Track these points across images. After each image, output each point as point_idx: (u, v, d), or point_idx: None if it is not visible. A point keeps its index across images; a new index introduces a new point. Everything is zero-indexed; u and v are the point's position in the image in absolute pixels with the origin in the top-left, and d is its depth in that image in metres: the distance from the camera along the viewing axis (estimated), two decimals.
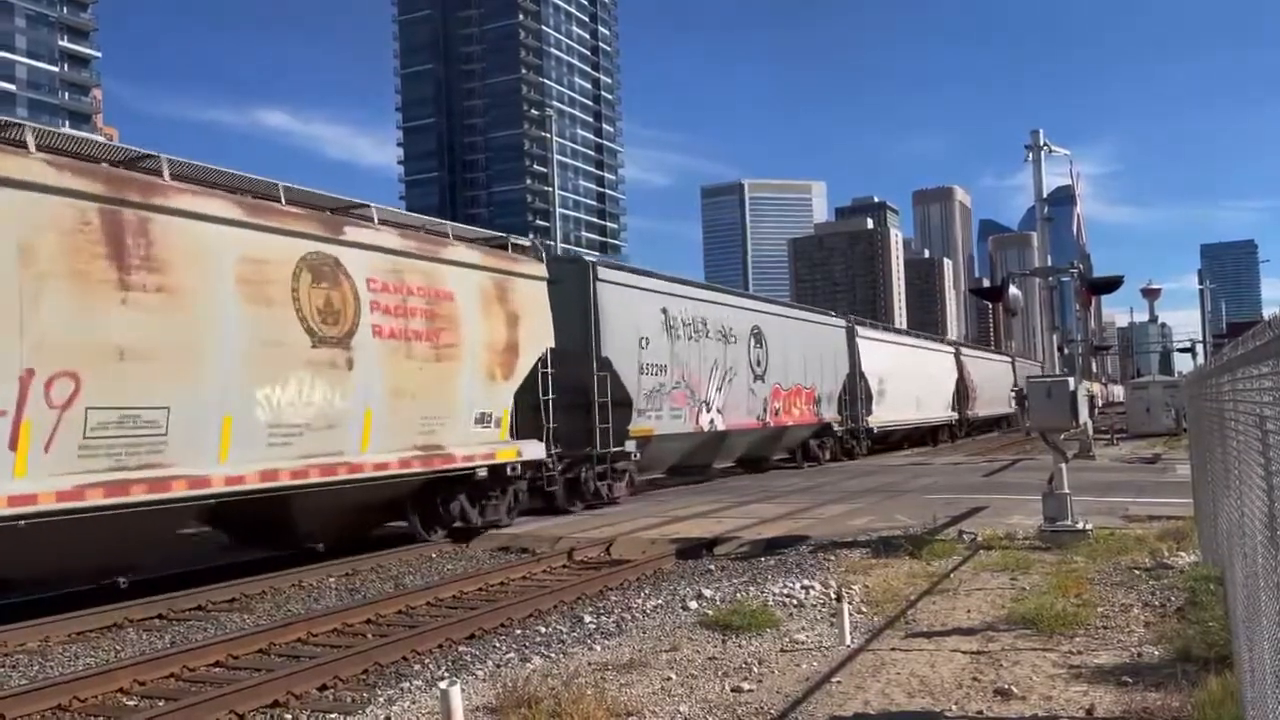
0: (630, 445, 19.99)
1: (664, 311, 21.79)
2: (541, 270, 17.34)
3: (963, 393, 48.24)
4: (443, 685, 5.91)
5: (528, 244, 17.87)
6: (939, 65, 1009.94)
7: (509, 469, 15.87)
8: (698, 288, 25.58)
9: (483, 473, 15.11)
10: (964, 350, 52.83)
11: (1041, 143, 13.63)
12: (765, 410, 26.68)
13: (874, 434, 35.44)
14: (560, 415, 17.54)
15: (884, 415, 36.38)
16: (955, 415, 46.91)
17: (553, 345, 17.21)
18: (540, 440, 16.83)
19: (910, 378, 39.04)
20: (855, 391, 33.95)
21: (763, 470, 29.41)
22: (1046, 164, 14.47)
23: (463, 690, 6.31)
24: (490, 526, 15.90)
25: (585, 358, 18.86)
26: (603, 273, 20.37)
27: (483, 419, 15.29)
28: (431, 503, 14.94)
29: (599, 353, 19.25)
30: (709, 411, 23.47)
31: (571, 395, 18.22)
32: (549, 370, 17.31)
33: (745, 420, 25.50)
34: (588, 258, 22.93)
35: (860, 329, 35.76)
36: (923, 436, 43.79)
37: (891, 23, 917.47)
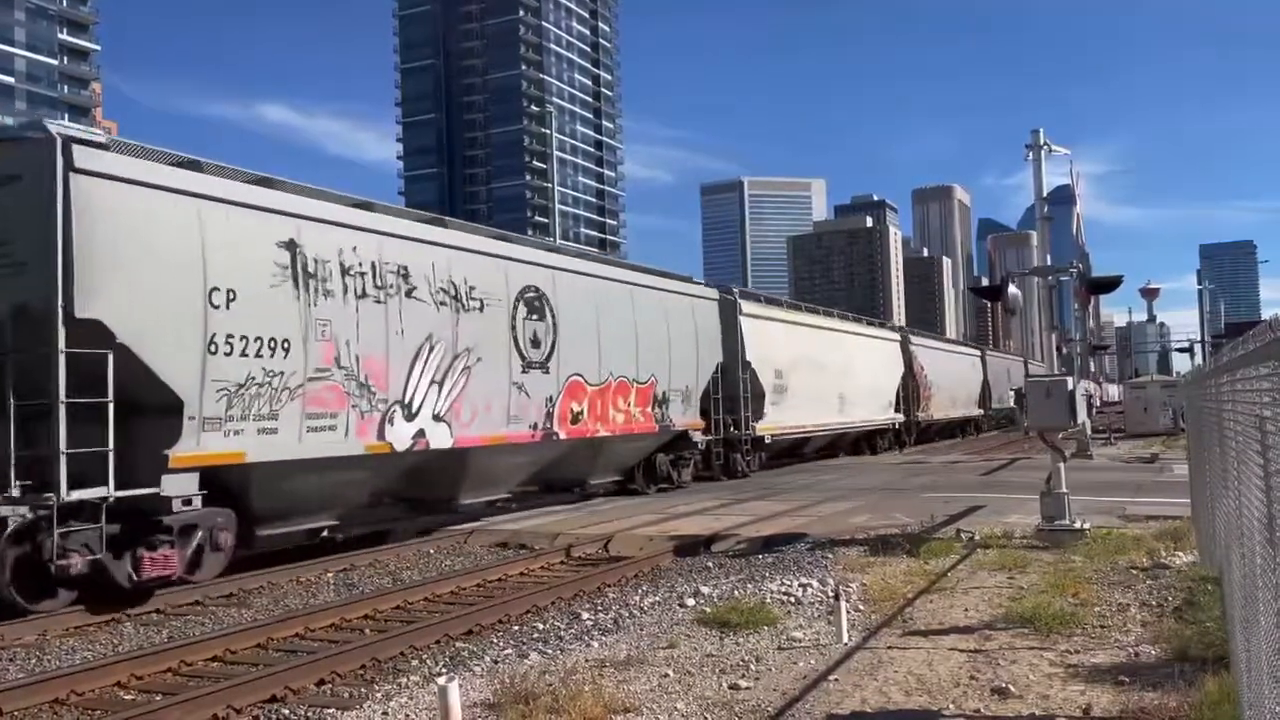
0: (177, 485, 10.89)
1: (290, 247, 12.44)
2: None
3: (912, 391, 40.55)
4: (440, 681, 5.92)
5: None
6: (940, 64, 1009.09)
7: None
8: (392, 216, 14.98)
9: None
10: (915, 339, 43.52)
11: (1042, 142, 13.61)
12: (549, 416, 17.57)
13: (768, 444, 27.18)
14: None
15: (783, 419, 27.88)
16: (901, 418, 39.08)
17: None
18: None
19: (828, 371, 31.12)
20: (739, 389, 25.33)
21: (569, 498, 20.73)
22: (1047, 164, 14.53)
23: (460, 686, 6.31)
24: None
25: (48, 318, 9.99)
26: (102, 162, 10.54)
27: None
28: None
29: (70, 307, 10.02)
30: (410, 419, 14.33)
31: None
32: None
33: (506, 431, 16.47)
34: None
35: (746, 304, 26.81)
36: (856, 442, 36.32)
37: (892, 20, 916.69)
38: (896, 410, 38.50)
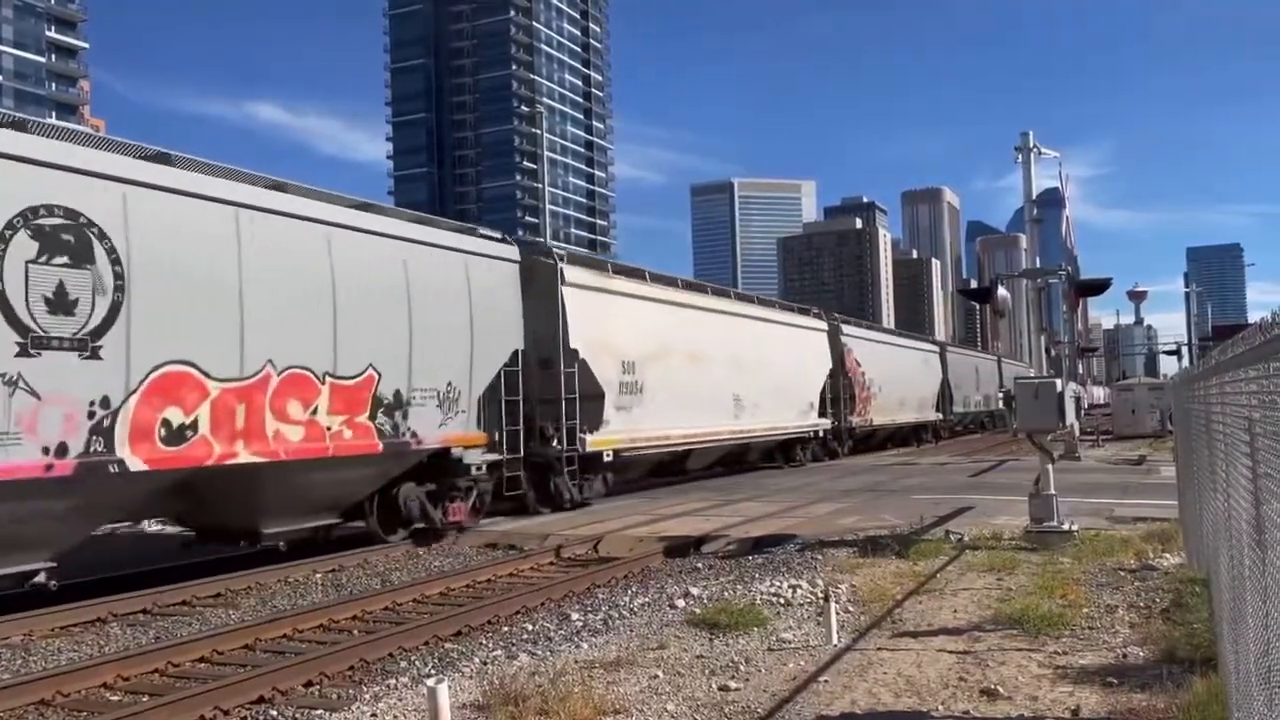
0: None
1: None
2: None
3: (845, 391, 34.69)
4: (430, 683, 5.90)
5: None
6: (932, 66, 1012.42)
7: None
8: None
9: None
10: (849, 330, 36.85)
11: (1031, 145, 13.66)
12: (100, 432, 10.35)
13: (610, 462, 19.76)
14: None
15: (639, 428, 20.77)
16: (827, 424, 32.30)
17: None
18: None
19: (714, 365, 24.34)
20: (562, 388, 18.16)
21: None
22: (1036, 166, 14.60)
23: (450, 687, 6.28)
24: None
25: None
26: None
27: None
28: None
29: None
30: None
31: None
32: None
33: None
34: None
35: (573, 269, 19.46)
36: (770, 453, 29.73)
37: (886, 22, 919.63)
38: (819, 416, 31.58)
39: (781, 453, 30.15)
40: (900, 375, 40.97)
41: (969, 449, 40.73)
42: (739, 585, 10.85)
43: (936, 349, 50.76)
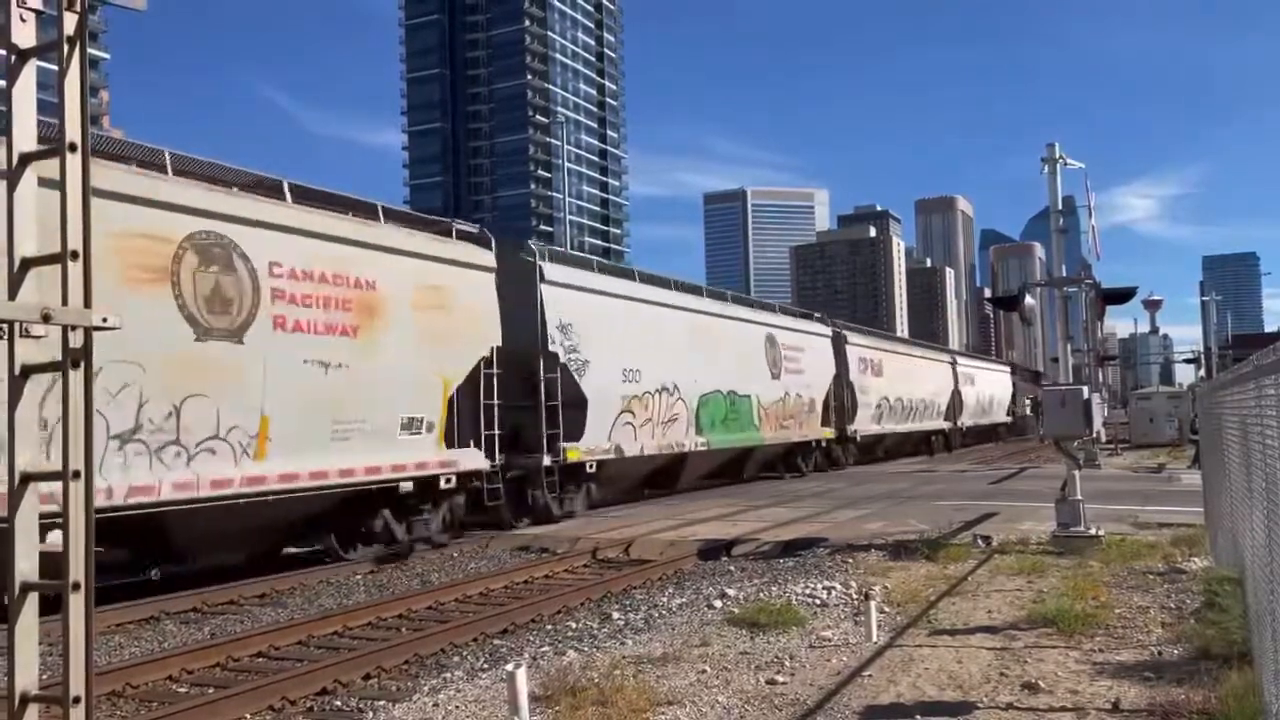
0: None
1: None
2: None
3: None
4: (509, 667, 6.19)
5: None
6: (954, 70, 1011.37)
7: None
8: None
9: None
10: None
11: (1057, 155, 13.90)
12: None
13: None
14: None
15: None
16: (830, 432, 31.45)
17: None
18: None
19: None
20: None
21: None
22: (1052, 176, 14.82)
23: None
24: None
25: None
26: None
27: None
28: None
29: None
30: None
31: None
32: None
33: None
34: None
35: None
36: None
37: (891, 29, 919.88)
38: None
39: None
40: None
41: (986, 457, 40.86)
42: (773, 586, 11.09)
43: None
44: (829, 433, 31.49)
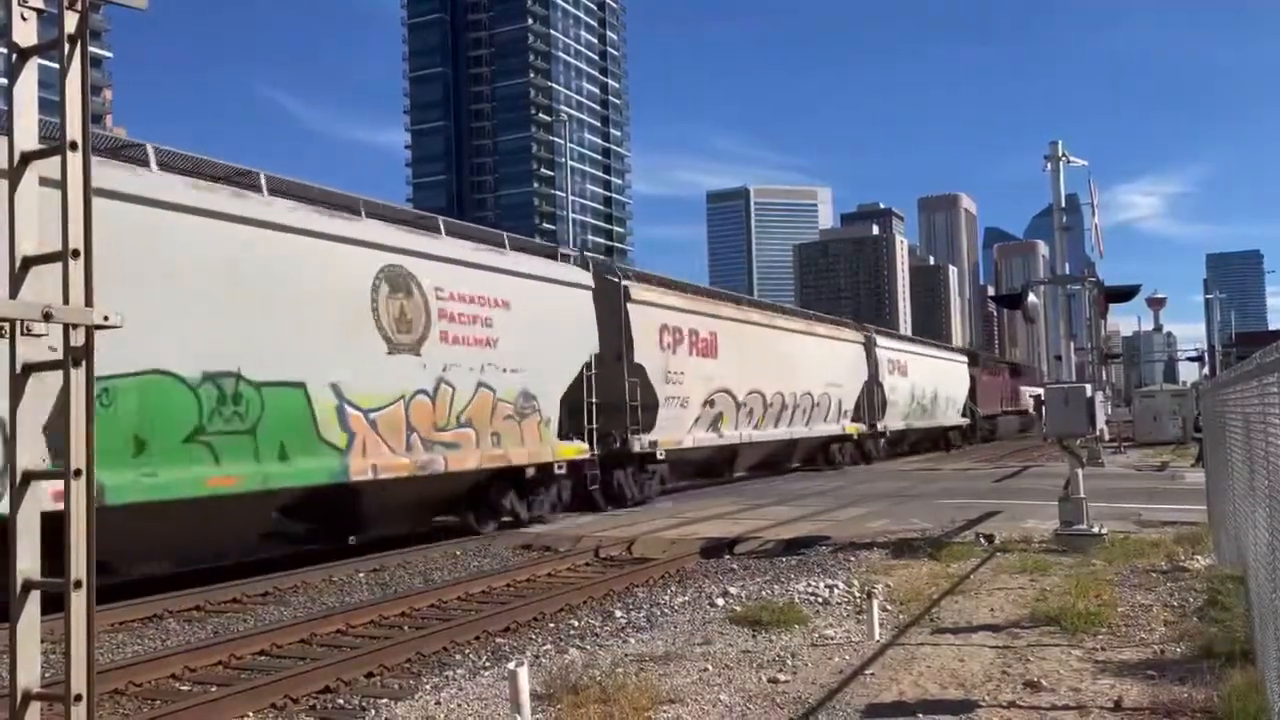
0: None
1: None
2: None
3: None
4: (511, 665, 6.19)
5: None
6: (950, 72, 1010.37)
7: None
8: None
9: None
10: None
11: (1060, 154, 13.88)
12: None
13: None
14: None
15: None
16: (864, 428, 34.50)
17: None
18: None
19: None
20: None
21: None
22: (1052, 173, 14.80)
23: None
24: None
25: None
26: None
27: None
28: None
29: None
30: None
31: None
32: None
33: None
34: None
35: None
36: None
37: (895, 27, 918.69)
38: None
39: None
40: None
41: (992, 455, 40.88)
42: (775, 585, 11.09)
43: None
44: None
